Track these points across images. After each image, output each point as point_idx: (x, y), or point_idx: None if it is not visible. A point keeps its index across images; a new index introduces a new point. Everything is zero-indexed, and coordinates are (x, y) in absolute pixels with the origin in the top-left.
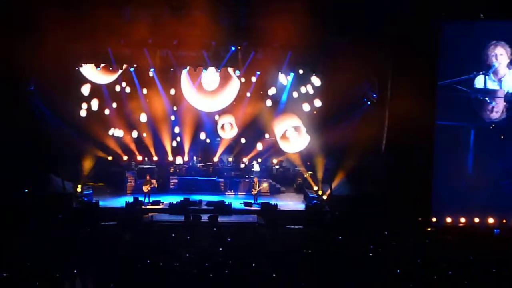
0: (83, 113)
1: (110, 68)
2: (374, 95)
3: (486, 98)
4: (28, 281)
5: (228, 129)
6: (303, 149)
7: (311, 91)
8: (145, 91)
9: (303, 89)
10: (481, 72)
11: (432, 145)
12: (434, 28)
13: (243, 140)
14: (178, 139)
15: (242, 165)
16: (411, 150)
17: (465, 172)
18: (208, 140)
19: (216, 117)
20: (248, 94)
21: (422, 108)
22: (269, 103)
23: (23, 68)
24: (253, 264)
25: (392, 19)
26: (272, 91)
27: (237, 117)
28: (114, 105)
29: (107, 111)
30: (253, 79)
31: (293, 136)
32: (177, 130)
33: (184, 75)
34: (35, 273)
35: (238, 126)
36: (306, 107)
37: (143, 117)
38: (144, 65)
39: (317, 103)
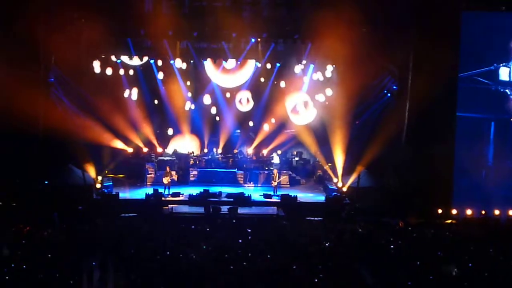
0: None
1: (130, 60)
2: (395, 87)
3: (507, 90)
4: (48, 273)
5: (245, 102)
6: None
7: (328, 82)
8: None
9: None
10: (502, 64)
11: (453, 137)
12: (455, 19)
13: (251, 124)
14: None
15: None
16: (432, 141)
17: (485, 164)
18: (217, 118)
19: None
20: (262, 79)
21: (442, 99)
22: (283, 84)
23: (44, 59)
24: (273, 256)
25: (413, 10)
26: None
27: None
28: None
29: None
30: (268, 65)
31: (302, 109)
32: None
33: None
34: (55, 264)
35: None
36: (321, 97)
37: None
38: (164, 57)
39: (329, 92)
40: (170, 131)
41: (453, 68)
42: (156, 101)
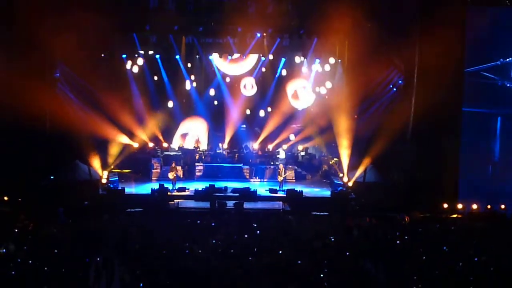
0: None
1: (136, 55)
2: (400, 82)
3: None
4: (53, 268)
5: (249, 88)
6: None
7: (331, 75)
8: None
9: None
10: (508, 59)
11: (459, 132)
12: (460, 14)
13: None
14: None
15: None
16: (438, 136)
17: (491, 159)
18: (215, 102)
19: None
20: (264, 69)
21: (448, 94)
22: (284, 72)
23: (49, 54)
24: (278, 251)
25: (419, 4)
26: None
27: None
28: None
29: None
30: (271, 56)
31: (301, 94)
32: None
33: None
34: (60, 259)
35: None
36: (323, 90)
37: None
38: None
39: (328, 85)
40: (170, 104)
41: (459, 63)
42: (156, 77)
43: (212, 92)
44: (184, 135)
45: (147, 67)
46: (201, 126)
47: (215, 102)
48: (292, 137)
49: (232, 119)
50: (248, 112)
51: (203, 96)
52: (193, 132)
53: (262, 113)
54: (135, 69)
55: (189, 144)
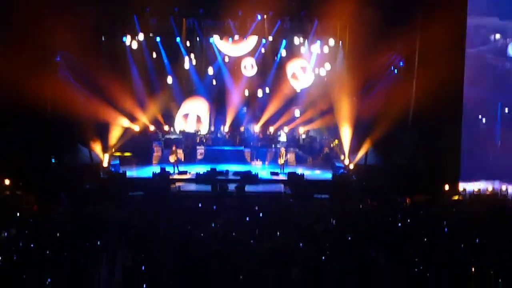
0: None
1: (136, 37)
2: (401, 64)
3: None
4: (55, 252)
5: (249, 68)
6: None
7: (331, 58)
8: None
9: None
10: (507, 39)
11: (460, 115)
12: None
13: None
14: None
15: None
16: (439, 119)
17: (492, 142)
18: (214, 82)
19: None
20: (263, 50)
21: (449, 77)
22: (284, 53)
23: (49, 39)
24: (280, 234)
25: None
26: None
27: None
28: None
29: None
30: (271, 38)
31: (300, 74)
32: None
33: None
34: (62, 244)
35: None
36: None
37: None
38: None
39: (327, 66)
40: (169, 80)
41: (460, 45)
42: (154, 55)
43: (210, 71)
44: (186, 115)
45: (146, 46)
46: (202, 105)
47: (214, 82)
48: (297, 113)
49: (233, 102)
50: (246, 93)
51: (204, 79)
52: (194, 112)
53: (260, 93)
54: (134, 45)
55: (190, 126)
